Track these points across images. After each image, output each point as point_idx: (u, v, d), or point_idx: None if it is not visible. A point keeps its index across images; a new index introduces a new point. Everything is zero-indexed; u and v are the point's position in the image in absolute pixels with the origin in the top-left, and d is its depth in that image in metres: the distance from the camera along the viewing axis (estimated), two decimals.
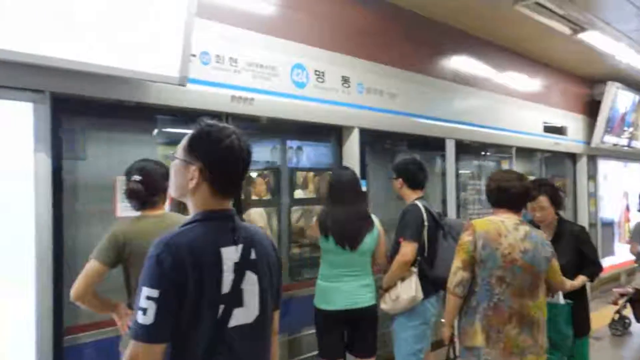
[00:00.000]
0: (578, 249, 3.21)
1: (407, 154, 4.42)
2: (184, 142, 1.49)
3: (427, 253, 3.16)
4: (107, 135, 2.95)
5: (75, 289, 2.17)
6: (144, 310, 1.29)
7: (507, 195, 2.58)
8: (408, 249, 3.09)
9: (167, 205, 2.53)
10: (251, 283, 1.46)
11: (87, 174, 2.81)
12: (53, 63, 2.38)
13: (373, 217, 3.24)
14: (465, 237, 2.51)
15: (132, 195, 2.35)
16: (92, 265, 2.20)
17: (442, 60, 5.14)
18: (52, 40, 2.35)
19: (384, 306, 3.21)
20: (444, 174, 5.09)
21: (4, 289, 2.34)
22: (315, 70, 3.79)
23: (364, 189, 3.59)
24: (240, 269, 1.44)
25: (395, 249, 3.21)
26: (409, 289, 3.10)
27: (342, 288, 3.12)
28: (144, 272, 1.34)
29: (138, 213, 2.42)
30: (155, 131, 3.20)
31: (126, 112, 2.93)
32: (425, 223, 3.17)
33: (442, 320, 2.67)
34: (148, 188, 2.35)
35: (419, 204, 3.25)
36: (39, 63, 2.36)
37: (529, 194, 2.72)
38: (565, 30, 5.15)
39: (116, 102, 2.79)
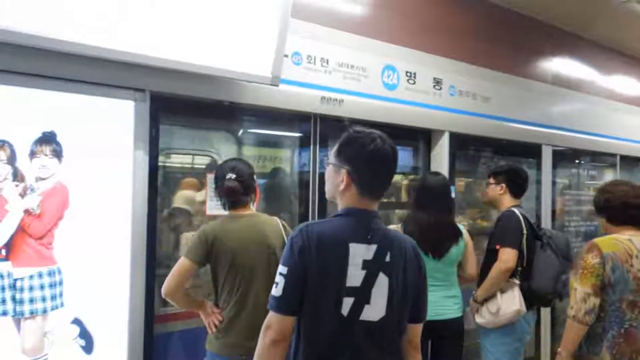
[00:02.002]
0: None
1: (503, 161, 4.20)
2: (335, 147, 1.64)
3: (525, 264, 2.96)
4: (199, 133, 3.01)
5: (166, 286, 2.21)
6: (276, 284, 1.52)
7: (634, 211, 2.35)
8: (510, 256, 2.91)
9: (254, 206, 2.53)
10: (381, 284, 1.55)
11: (179, 172, 2.87)
12: (153, 62, 2.44)
13: (461, 227, 3.07)
14: (592, 259, 2.28)
15: (228, 193, 2.36)
16: (182, 262, 2.24)
17: (541, 62, 4.81)
18: (152, 40, 2.41)
19: (480, 320, 3.04)
20: (538, 183, 4.76)
21: (103, 278, 2.43)
22: (407, 72, 3.66)
23: (453, 195, 3.42)
24: (371, 267, 1.54)
25: (488, 258, 3.04)
26: (512, 301, 2.91)
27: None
28: (284, 252, 1.55)
29: (226, 212, 2.44)
30: (241, 131, 3.22)
31: (217, 111, 2.96)
32: (524, 231, 2.99)
33: (559, 350, 2.37)
34: (243, 186, 2.35)
35: (517, 211, 3.07)
36: (140, 62, 2.42)
37: None
38: None
39: (211, 101, 2.83)
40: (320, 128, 3.32)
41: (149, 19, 2.38)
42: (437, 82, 3.85)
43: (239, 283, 2.29)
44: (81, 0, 2.19)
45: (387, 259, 1.56)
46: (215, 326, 2.29)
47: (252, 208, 2.49)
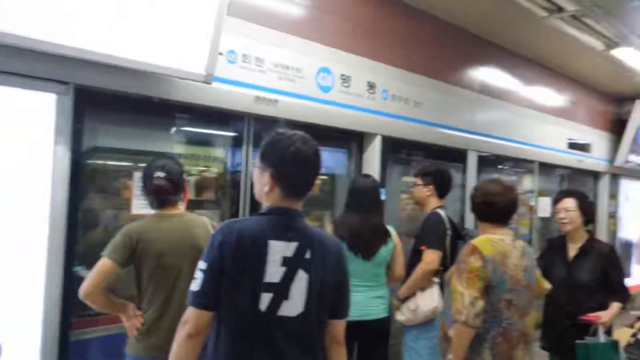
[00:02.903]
0: (604, 269, 3.06)
1: (428, 163, 4.34)
2: (260, 150, 1.66)
3: (448, 263, 3.09)
4: (126, 130, 2.90)
5: (84, 287, 2.12)
6: (195, 279, 1.54)
7: (496, 209, 2.38)
8: (434, 257, 3.03)
9: (183, 206, 2.48)
10: (300, 280, 1.58)
11: (104, 169, 2.76)
12: (80, 54, 2.34)
13: (390, 228, 3.16)
14: (475, 262, 2.25)
15: (156, 192, 2.30)
16: (103, 263, 2.16)
17: (470, 71, 5.04)
18: (79, 32, 2.31)
19: (400, 317, 3.14)
20: (463, 186, 4.99)
21: (15, 280, 2.30)
22: (341, 75, 3.72)
23: (383, 197, 3.52)
24: (291, 264, 1.57)
25: (413, 259, 3.14)
26: (431, 299, 3.03)
27: (354, 299, 3.04)
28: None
29: (152, 211, 2.37)
30: (174, 129, 3.15)
31: (147, 108, 2.88)
32: (448, 232, 3.12)
33: (449, 357, 2.32)
34: (172, 185, 2.30)
35: (441, 212, 3.19)
36: (65, 54, 2.31)
37: (517, 206, 2.48)
38: (599, 45, 5.02)
39: (140, 97, 2.74)
40: (254, 128, 3.30)
41: (76, 8, 2.27)
42: (371, 86, 3.93)
43: (163, 284, 2.24)
44: None
45: (307, 256, 1.59)
46: (137, 329, 2.23)
47: (181, 208, 2.44)
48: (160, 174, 2.28)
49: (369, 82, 3.92)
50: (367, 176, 3.40)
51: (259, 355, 1.54)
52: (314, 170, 1.65)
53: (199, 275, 1.54)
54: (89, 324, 2.63)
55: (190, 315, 1.54)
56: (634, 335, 5.62)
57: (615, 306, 2.99)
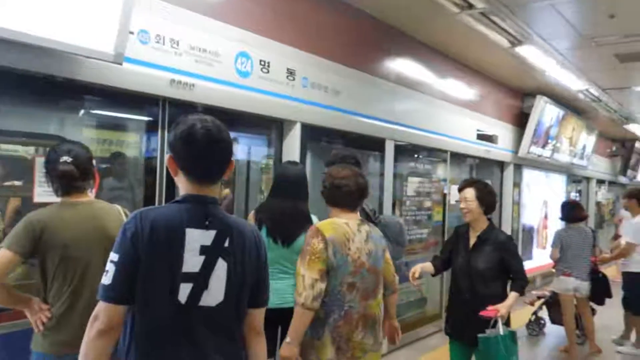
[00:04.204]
0: (501, 257, 3.17)
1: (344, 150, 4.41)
2: None
3: None
4: (29, 111, 2.69)
5: None
6: (107, 272, 1.47)
7: (343, 194, 2.41)
8: None
9: (92, 193, 2.34)
10: (220, 269, 1.55)
11: (4, 153, 2.54)
12: None
13: (313, 217, 3.18)
14: (317, 245, 2.24)
15: (62, 178, 2.14)
16: (3, 254, 1.99)
17: (387, 61, 5.17)
18: None
19: None
20: (381, 175, 5.13)
21: None
22: (261, 60, 3.68)
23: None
24: (210, 253, 1.53)
25: None
26: None
27: (274, 286, 3.03)
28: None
29: (58, 199, 2.22)
30: (83, 112, 2.96)
31: (52, 88, 2.68)
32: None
33: (286, 340, 2.29)
34: (79, 171, 2.16)
35: None
36: None
37: (365, 192, 2.49)
38: (504, 42, 5.34)
39: (43, 76, 2.54)
40: (170, 112, 3.18)
41: None
42: (291, 73, 3.92)
43: (71, 276, 2.10)
44: None
45: (226, 244, 1.56)
46: (43, 324, 2.08)
47: (90, 195, 2.30)
48: (67, 159, 2.14)
49: (288, 69, 3.90)
50: (295, 163, 3.39)
51: (178, 349, 1.49)
52: (213, 152, 1.55)
53: (110, 268, 1.46)
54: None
55: (102, 310, 1.45)
56: (534, 313, 6.12)
57: (512, 296, 3.11)
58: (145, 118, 3.19)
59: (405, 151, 5.56)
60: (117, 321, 1.46)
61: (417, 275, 3.35)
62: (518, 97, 8.08)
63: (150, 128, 3.19)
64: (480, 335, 2.97)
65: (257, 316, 1.69)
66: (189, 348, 1.50)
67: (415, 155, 5.94)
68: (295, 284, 2.41)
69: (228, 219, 1.61)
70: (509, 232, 7.72)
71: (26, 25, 2.26)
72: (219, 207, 1.61)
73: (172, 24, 3.08)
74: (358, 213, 2.49)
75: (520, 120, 7.93)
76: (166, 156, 1.62)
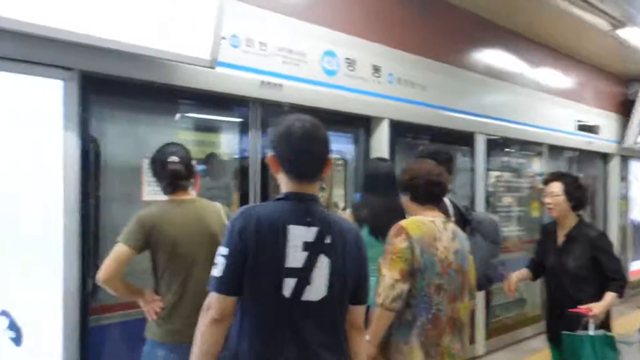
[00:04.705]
0: (592, 256, 2.90)
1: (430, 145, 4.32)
2: None
3: None
4: (132, 116, 2.90)
5: (102, 272, 2.12)
6: (217, 265, 1.55)
7: (438, 190, 2.29)
8: None
9: (194, 192, 2.47)
10: (322, 265, 1.58)
11: (113, 155, 2.76)
12: (84, 40, 2.33)
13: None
14: (400, 243, 2.13)
15: (172, 176, 2.28)
16: (119, 249, 2.15)
17: (475, 53, 4.99)
18: (83, 17, 2.30)
19: None
20: (472, 170, 4.95)
21: (33, 268, 2.32)
22: (346, 58, 3.70)
23: None
24: (312, 249, 1.57)
25: None
26: None
27: (373, 283, 3.02)
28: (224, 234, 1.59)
29: (164, 197, 2.36)
30: (178, 115, 3.14)
31: (152, 93, 2.87)
32: (452, 217, 3.08)
33: (367, 338, 2.11)
34: (186, 170, 2.30)
35: (445, 198, 3.15)
36: (69, 39, 2.30)
37: (446, 188, 2.38)
38: (604, 25, 4.96)
39: (144, 82, 2.73)
40: (260, 113, 3.29)
41: None
42: (377, 70, 3.91)
43: (179, 270, 2.23)
44: None
45: (328, 241, 1.59)
46: (156, 313, 2.23)
47: (192, 193, 2.43)
48: (175, 159, 2.28)
49: (374, 66, 3.89)
50: (384, 160, 3.38)
51: (284, 341, 1.54)
52: (310, 149, 1.61)
53: (220, 261, 1.53)
54: (108, 310, 2.64)
55: (214, 300, 1.53)
56: None
57: (609, 297, 2.81)
58: (237, 119, 3.32)
59: (497, 145, 5.33)
60: (228, 311, 1.54)
61: (513, 287, 3.18)
62: (621, 83, 7.46)
63: (242, 129, 3.31)
64: (564, 332, 2.76)
65: (358, 313, 1.71)
66: (294, 340, 1.55)
67: (508, 149, 5.67)
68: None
69: (328, 216, 1.64)
70: (615, 229, 7.18)
71: (133, 37, 2.45)
72: (319, 204, 1.64)
73: (260, 27, 3.19)
74: (442, 210, 2.38)
75: (624, 108, 7.31)
76: (268, 155, 1.67)
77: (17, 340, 2.26)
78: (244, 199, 3.24)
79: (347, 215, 3.15)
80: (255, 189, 3.26)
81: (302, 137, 1.59)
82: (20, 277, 2.27)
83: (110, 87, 2.68)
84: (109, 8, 2.36)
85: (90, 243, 2.55)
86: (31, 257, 2.31)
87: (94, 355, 2.58)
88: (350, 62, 3.73)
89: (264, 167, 3.33)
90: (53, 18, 2.22)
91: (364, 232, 3.00)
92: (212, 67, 2.76)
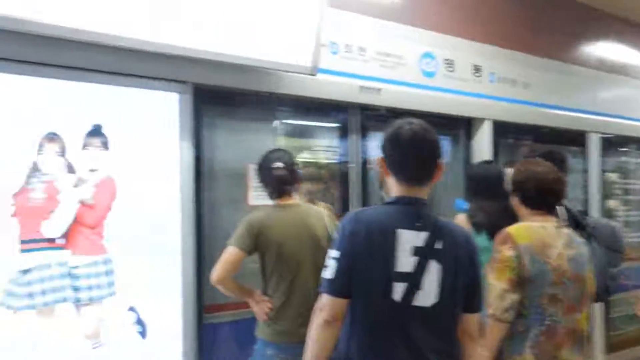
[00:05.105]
0: None
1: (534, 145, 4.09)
2: None
3: None
4: (238, 124, 3.04)
5: (215, 274, 2.24)
6: (328, 267, 1.57)
7: (552, 199, 2.11)
8: None
9: (298, 196, 2.53)
10: (433, 270, 1.55)
11: (221, 162, 2.90)
12: (197, 55, 2.49)
13: None
14: (507, 252, 2.02)
15: (277, 182, 2.37)
16: (230, 251, 2.26)
17: (584, 46, 4.66)
18: (195, 33, 2.46)
19: None
20: (585, 172, 4.60)
21: (155, 268, 2.50)
22: (445, 59, 3.62)
23: None
24: (422, 254, 1.55)
25: None
26: None
27: None
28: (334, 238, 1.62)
29: (268, 202, 2.45)
30: (281, 122, 3.24)
31: (256, 102, 2.98)
32: (564, 223, 2.87)
33: (481, 351, 2.01)
34: (290, 175, 2.37)
35: None
36: (183, 55, 2.47)
37: (564, 191, 2.20)
38: None
39: (250, 92, 2.86)
40: (359, 118, 3.31)
41: (190, 11, 2.43)
42: (477, 69, 3.78)
43: (286, 272, 2.30)
44: None
45: (438, 246, 1.56)
46: (265, 313, 2.31)
47: (296, 198, 2.49)
48: (280, 164, 2.35)
49: (474, 66, 3.77)
50: (490, 162, 3.25)
51: (395, 345, 1.53)
52: (418, 153, 1.60)
53: (331, 263, 1.56)
54: (220, 309, 2.78)
55: (326, 302, 1.55)
56: None
57: None
58: (336, 124, 3.37)
59: (614, 144, 4.91)
60: (340, 312, 1.55)
61: None
62: None
63: (341, 134, 3.35)
64: None
65: (471, 321, 1.65)
66: (405, 345, 1.53)
67: (626, 149, 5.20)
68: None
69: (439, 220, 1.61)
70: None
71: (240, 49, 2.58)
72: (428, 208, 1.62)
73: (359, 32, 3.22)
74: (556, 216, 2.21)
75: None
76: (377, 159, 1.70)
77: (143, 334, 2.45)
78: (344, 204, 3.26)
79: (461, 220, 3.06)
80: (355, 194, 3.28)
81: (411, 140, 1.59)
82: (145, 277, 2.45)
83: (218, 97, 2.83)
84: (219, 24, 2.51)
85: (203, 245, 2.70)
86: (153, 258, 2.49)
87: (208, 351, 2.72)
88: (450, 63, 3.64)
89: (364, 171, 3.34)
90: (170, 36, 2.40)
91: (482, 238, 2.89)
92: (313, 75, 2.82)
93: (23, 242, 2.19)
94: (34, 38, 2.15)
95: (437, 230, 1.57)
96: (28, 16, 2.05)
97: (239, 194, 2.92)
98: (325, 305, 1.55)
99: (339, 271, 1.53)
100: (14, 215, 2.17)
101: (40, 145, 2.25)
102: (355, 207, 3.24)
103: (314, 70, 2.82)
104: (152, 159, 2.52)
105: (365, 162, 3.35)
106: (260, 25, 2.63)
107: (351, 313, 1.56)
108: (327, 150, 3.44)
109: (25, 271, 2.18)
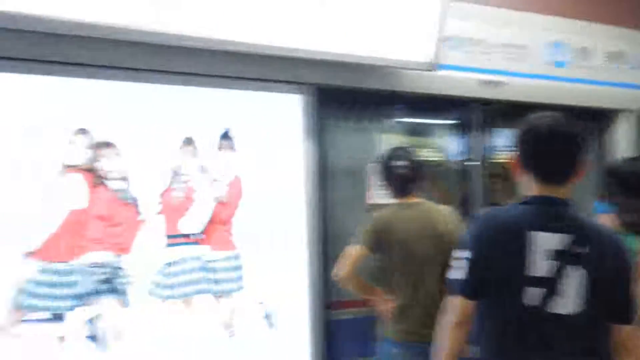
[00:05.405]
0: None
1: None
2: None
3: None
4: (357, 123, 3.06)
5: (339, 271, 2.27)
6: (455, 268, 1.50)
7: None
8: None
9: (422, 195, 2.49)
10: (573, 276, 1.43)
11: (343, 161, 2.95)
12: (317, 56, 2.54)
13: None
14: None
15: (400, 180, 2.35)
16: (354, 248, 2.27)
17: None
18: (316, 35, 2.51)
19: None
20: None
21: (283, 265, 2.61)
22: (577, 47, 3.34)
23: None
24: (560, 258, 1.43)
25: None
26: None
27: None
28: (462, 237, 1.56)
29: (390, 201, 2.43)
30: (399, 120, 3.21)
31: (375, 100, 2.98)
32: None
33: None
34: (414, 174, 2.34)
35: None
36: (306, 57, 2.53)
37: None
38: None
39: (369, 91, 2.86)
40: (481, 113, 3.18)
41: (310, 14, 2.48)
42: (616, 56, 3.44)
43: (410, 271, 2.26)
44: (251, 3, 2.36)
45: (582, 250, 1.43)
46: (389, 312, 2.30)
47: (420, 197, 2.45)
48: (403, 163, 2.33)
49: (612, 52, 3.43)
50: (636, 158, 2.96)
51: (528, 351, 1.44)
52: (553, 148, 1.47)
53: (460, 264, 1.50)
54: (346, 305, 2.82)
55: (455, 303, 1.51)
56: None
57: None
58: (457, 121, 3.26)
59: None
60: (468, 314, 1.49)
61: None
62: None
63: (462, 130, 3.24)
64: None
65: (626, 333, 1.48)
66: (540, 351, 1.43)
67: None
68: None
69: (585, 222, 1.48)
70: None
71: (360, 49, 2.59)
72: (571, 208, 1.49)
73: (479, 24, 3.09)
74: None
75: None
76: (511, 156, 1.58)
77: (273, 326, 2.58)
78: (465, 202, 3.16)
79: (605, 221, 2.81)
80: (477, 192, 3.16)
81: (547, 135, 1.46)
82: (273, 273, 2.58)
83: (339, 97, 2.87)
84: (338, 24, 2.54)
85: (327, 242, 2.76)
86: (281, 255, 2.60)
87: (333, 346, 2.78)
88: (582, 51, 3.35)
89: (487, 169, 3.21)
90: (292, 39, 2.47)
91: (632, 239, 2.63)
92: (433, 70, 2.76)
93: (168, 237, 2.40)
94: (177, 50, 2.33)
95: (581, 233, 1.44)
96: (175, 30, 2.22)
97: (360, 192, 2.94)
98: (453, 306, 1.50)
99: (467, 272, 1.47)
100: (160, 212, 2.39)
101: (181, 149, 2.44)
102: (476, 207, 3.12)
103: (434, 66, 2.75)
104: (277, 159, 2.63)
105: (486, 160, 3.22)
106: (380, 23, 2.62)
107: (481, 315, 1.49)
108: (447, 148, 3.35)
109: (170, 264, 2.39)
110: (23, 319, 2.14)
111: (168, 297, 2.39)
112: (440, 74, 2.86)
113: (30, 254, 2.15)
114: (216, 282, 2.47)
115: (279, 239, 2.61)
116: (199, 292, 2.45)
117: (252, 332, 2.53)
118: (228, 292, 2.50)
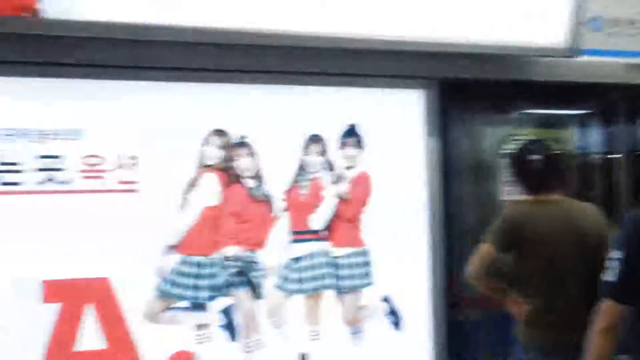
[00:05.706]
0: None
1: None
2: None
3: None
4: (485, 116, 2.92)
5: (470, 270, 2.18)
6: (609, 270, 1.44)
7: None
8: None
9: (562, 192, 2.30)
10: None
11: (470, 156, 2.83)
12: (439, 49, 2.45)
13: None
14: None
15: (534, 175, 2.21)
16: (484, 248, 2.17)
17: None
18: (437, 26, 2.42)
19: None
20: None
21: (405, 260, 2.58)
22: None
23: None
24: None
25: None
26: None
27: None
28: (615, 237, 1.49)
29: (521, 197, 2.27)
30: (531, 111, 3.01)
31: (503, 91, 2.81)
32: None
33: None
34: (550, 168, 2.18)
35: None
36: (427, 50, 2.45)
37: None
38: None
39: (497, 81, 2.71)
40: (625, 100, 2.90)
41: (428, 4, 2.40)
42: None
43: (547, 274, 2.11)
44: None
45: None
46: (524, 315, 2.16)
47: (559, 193, 2.27)
48: (536, 157, 2.18)
49: None
50: None
51: None
52: None
53: (613, 265, 1.43)
54: (471, 305, 2.75)
55: (604, 307, 1.43)
56: None
57: None
58: (594, 111, 3.00)
59: None
60: (615, 320, 1.41)
61: None
62: None
63: (602, 121, 2.97)
64: None
65: None
66: None
67: None
68: None
69: None
70: None
71: (485, 37, 2.46)
72: None
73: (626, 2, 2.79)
74: None
75: None
76: None
77: (397, 325, 2.55)
78: (607, 198, 2.89)
79: None
80: (621, 188, 2.88)
81: None
82: (396, 270, 2.54)
83: (463, 89, 2.76)
84: (459, 12, 2.43)
85: (453, 240, 2.68)
86: (402, 250, 2.56)
87: (458, 346, 2.70)
88: None
89: (632, 163, 2.92)
90: (411, 32, 2.39)
91: None
92: (574, 56, 2.55)
93: (293, 233, 2.46)
94: (303, 50, 2.37)
95: None
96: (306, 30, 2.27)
97: (488, 188, 2.81)
98: (602, 311, 1.43)
99: (622, 274, 1.40)
100: (285, 209, 2.46)
101: (306, 146, 2.49)
102: (620, 205, 2.84)
103: (572, 52, 2.53)
104: (401, 155, 2.59)
105: (631, 153, 2.93)
106: (506, 6, 2.46)
107: (634, 322, 1.41)
108: (582, 141, 3.09)
109: (296, 259, 2.45)
110: (169, 307, 2.31)
111: (295, 292, 2.46)
112: (578, 60, 2.63)
113: (172, 247, 2.32)
114: (341, 278, 2.50)
115: (403, 236, 2.57)
116: (324, 287, 2.49)
117: (376, 330, 2.53)
118: (355, 288, 2.51)
